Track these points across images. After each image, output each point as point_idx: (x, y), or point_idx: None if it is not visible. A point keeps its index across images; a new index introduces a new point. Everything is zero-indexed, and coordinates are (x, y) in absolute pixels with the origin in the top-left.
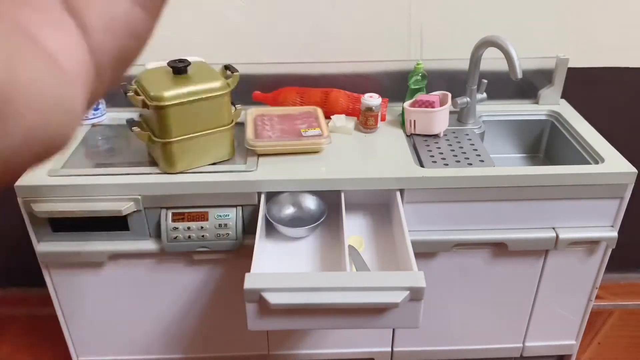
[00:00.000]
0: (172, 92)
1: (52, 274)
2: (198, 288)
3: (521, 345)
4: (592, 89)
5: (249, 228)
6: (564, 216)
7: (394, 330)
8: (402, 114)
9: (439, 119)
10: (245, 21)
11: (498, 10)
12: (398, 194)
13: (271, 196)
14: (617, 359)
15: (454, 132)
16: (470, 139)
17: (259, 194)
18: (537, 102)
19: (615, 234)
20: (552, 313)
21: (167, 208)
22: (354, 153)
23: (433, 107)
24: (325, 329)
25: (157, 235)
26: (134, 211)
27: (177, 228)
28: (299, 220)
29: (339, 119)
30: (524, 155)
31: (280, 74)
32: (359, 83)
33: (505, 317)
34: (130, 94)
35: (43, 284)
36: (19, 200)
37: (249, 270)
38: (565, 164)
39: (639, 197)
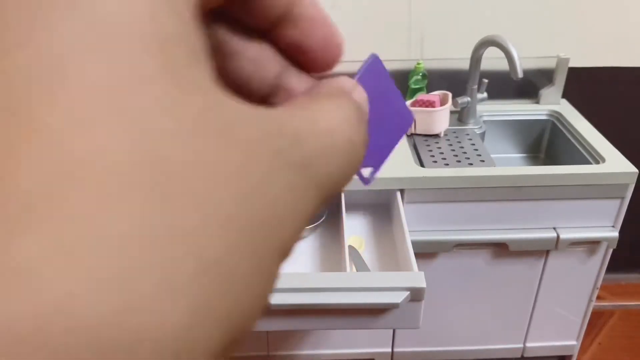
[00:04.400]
0: None
1: None
2: None
3: (522, 345)
4: (593, 88)
5: None
6: (565, 216)
7: (394, 330)
8: None
9: (440, 119)
10: None
11: (499, 9)
12: (398, 194)
13: None
14: (618, 359)
15: (454, 132)
16: (470, 139)
17: None
18: (537, 102)
19: (616, 234)
20: (552, 313)
21: None
22: None
23: (433, 106)
24: (326, 330)
25: None
26: None
27: None
28: None
29: None
30: (525, 155)
31: None
32: None
33: (505, 317)
34: None
35: None
36: None
37: None
38: (566, 164)
39: (639, 197)
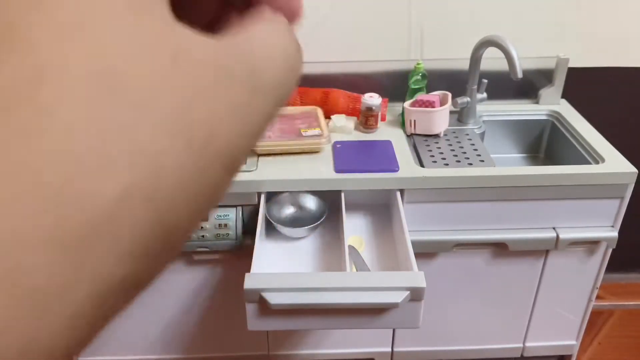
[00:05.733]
0: None
1: None
2: (198, 288)
3: (521, 345)
4: (592, 89)
5: (248, 228)
6: (565, 216)
7: (394, 330)
8: (402, 113)
9: (439, 119)
10: None
11: (498, 10)
12: (398, 194)
13: (271, 196)
14: (617, 359)
15: (454, 132)
16: (470, 139)
17: (259, 194)
18: (537, 102)
19: (615, 234)
20: (552, 313)
21: None
22: None
23: (433, 107)
24: (325, 329)
25: None
26: None
27: None
28: (299, 220)
29: (338, 119)
30: (525, 155)
31: None
32: (359, 83)
33: (505, 317)
34: None
35: None
36: None
37: (248, 270)
38: (566, 164)
39: (639, 197)
